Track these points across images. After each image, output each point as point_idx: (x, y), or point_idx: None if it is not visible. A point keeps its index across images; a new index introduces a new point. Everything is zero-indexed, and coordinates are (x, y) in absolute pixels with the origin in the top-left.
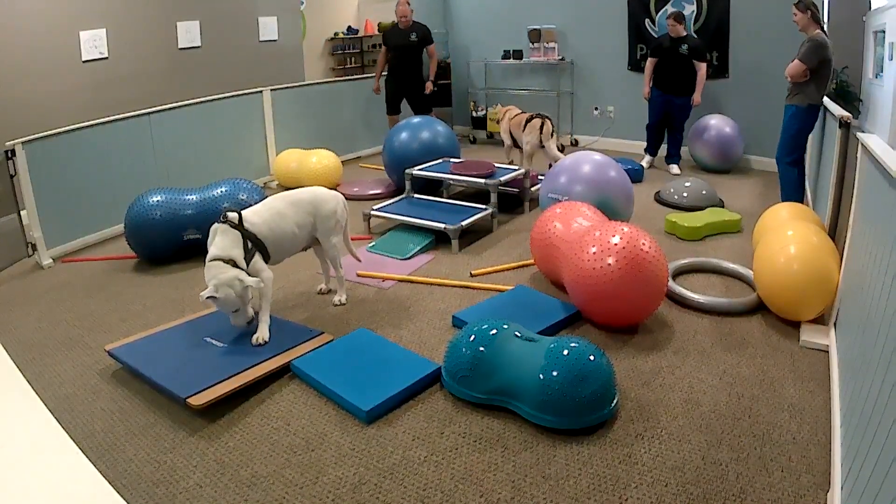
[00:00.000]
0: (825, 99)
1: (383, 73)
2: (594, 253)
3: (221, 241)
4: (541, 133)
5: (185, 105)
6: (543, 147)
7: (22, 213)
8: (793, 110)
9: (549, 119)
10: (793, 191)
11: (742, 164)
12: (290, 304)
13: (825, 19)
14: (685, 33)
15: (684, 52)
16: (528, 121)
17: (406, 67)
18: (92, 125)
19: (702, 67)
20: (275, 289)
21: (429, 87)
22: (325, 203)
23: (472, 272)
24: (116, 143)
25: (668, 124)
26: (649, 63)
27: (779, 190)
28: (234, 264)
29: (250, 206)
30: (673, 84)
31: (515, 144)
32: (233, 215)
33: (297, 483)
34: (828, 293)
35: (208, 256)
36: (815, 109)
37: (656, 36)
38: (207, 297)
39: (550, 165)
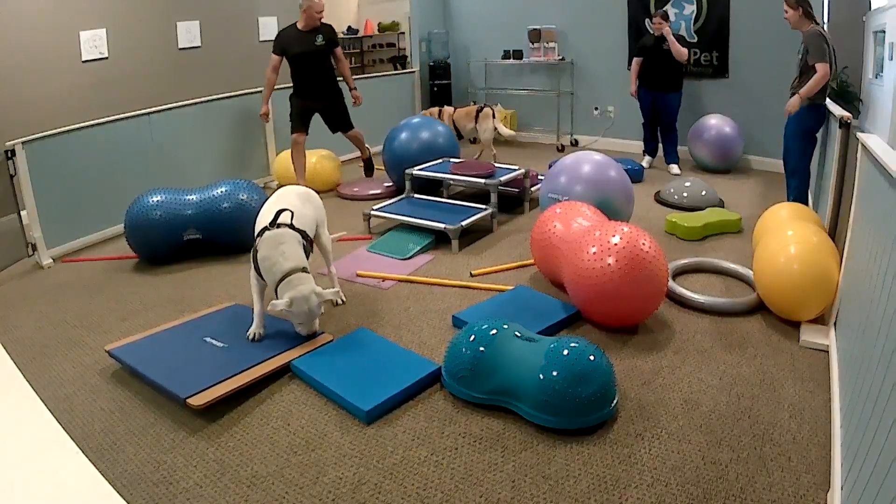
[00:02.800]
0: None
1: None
2: (594, 253)
3: (291, 249)
4: (493, 119)
5: (185, 105)
6: (496, 130)
7: (22, 213)
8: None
9: (493, 106)
10: (802, 194)
11: (742, 164)
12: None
13: (825, 19)
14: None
15: (667, 49)
16: (479, 111)
17: (315, 79)
18: (92, 125)
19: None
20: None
21: (358, 97)
22: (316, 197)
23: (472, 272)
24: (116, 143)
25: (658, 122)
26: (635, 62)
27: (777, 190)
28: (306, 270)
29: (251, 206)
30: (658, 81)
31: (459, 136)
32: (286, 216)
33: (297, 483)
34: (828, 293)
35: (283, 269)
36: (816, 108)
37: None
38: (280, 309)
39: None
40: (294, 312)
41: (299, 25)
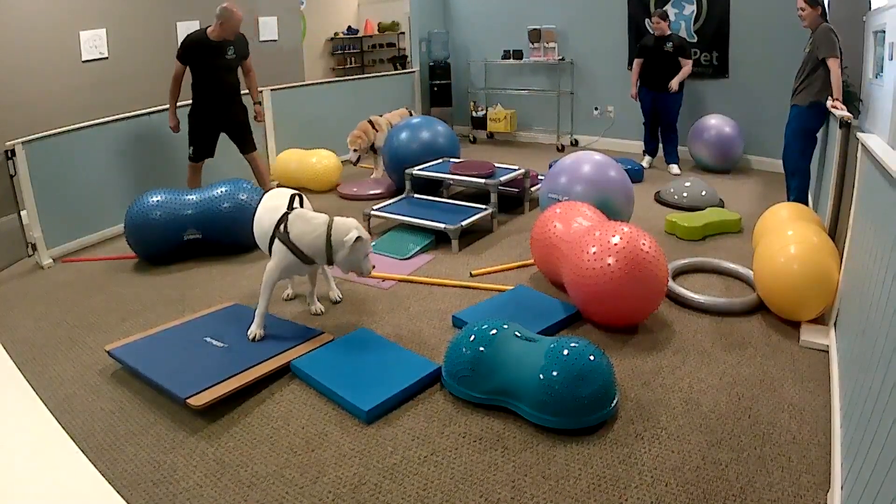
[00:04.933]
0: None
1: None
2: (594, 253)
3: (317, 215)
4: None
5: (185, 105)
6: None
7: (22, 213)
8: (795, 111)
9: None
10: (803, 194)
11: (742, 164)
12: (290, 304)
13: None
14: (669, 32)
15: (669, 50)
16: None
17: (221, 94)
18: (92, 125)
19: (687, 64)
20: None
21: (260, 112)
22: (304, 199)
23: (472, 272)
24: (116, 143)
25: (659, 122)
26: (636, 64)
27: (778, 190)
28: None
29: (251, 206)
30: (660, 81)
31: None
32: (297, 201)
33: (297, 483)
34: (828, 293)
35: (325, 221)
36: (817, 108)
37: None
38: (356, 240)
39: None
40: (364, 242)
41: (211, 35)
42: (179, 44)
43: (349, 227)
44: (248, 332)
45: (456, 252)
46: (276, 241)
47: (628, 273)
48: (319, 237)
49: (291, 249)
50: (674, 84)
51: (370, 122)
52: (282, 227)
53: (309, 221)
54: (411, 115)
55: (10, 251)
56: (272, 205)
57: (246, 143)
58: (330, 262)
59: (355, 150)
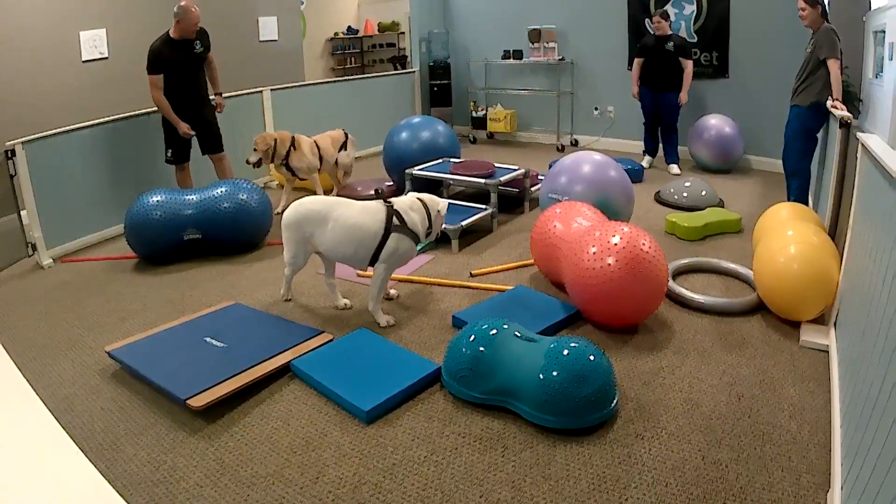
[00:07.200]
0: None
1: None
2: (594, 253)
3: (404, 198)
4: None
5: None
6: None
7: (22, 213)
8: (796, 111)
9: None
10: (803, 194)
11: (742, 164)
12: (290, 304)
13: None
14: (670, 31)
15: (670, 49)
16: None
17: (196, 92)
18: (92, 125)
19: (688, 65)
20: (272, 289)
21: (221, 103)
22: None
23: (472, 272)
24: (116, 143)
25: (659, 122)
26: (636, 63)
27: (778, 189)
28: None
29: (251, 206)
30: (660, 81)
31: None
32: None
33: (297, 483)
34: (828, 293)
35: (419, 203)
36: (818, 108)
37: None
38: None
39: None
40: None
41: (174, 35)
42: (147, 56)
43: (436, 200)
44: (384, 322)
45: (456, 252)
46: (395, 234)
47: (628, 273)
48: (424, 217)
49: (411, 236)
50: (683, 97)
51: (294, 137)
52: (394, 220)
53: (412, 207)
54: (347, 136)
55: (10, 251)
56: (360, 208)
57: (215, 144)
58: (427, 234)
59: (255, 150)
